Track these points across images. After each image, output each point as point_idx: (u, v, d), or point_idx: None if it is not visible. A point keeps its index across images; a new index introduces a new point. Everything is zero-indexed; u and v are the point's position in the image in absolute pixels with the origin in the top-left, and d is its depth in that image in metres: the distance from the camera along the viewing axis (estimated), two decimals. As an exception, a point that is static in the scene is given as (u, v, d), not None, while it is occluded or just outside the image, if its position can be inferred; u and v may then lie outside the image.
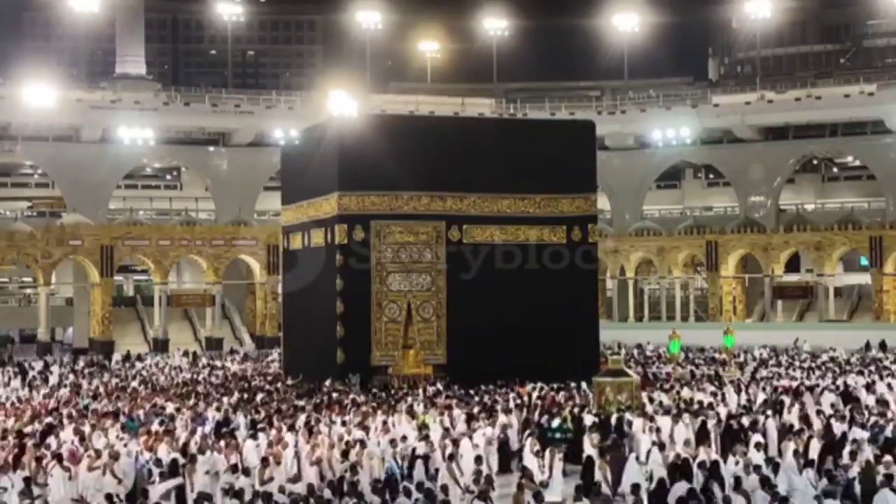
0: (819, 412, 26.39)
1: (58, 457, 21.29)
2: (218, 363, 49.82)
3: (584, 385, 33.00)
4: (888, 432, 23.33)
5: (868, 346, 51.67)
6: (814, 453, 21.29)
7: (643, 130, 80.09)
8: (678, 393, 31.27)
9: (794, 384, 33.70)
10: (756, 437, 22.95)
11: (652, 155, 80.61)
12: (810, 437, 22.45)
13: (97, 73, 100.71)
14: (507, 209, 41.69)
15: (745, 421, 25.37)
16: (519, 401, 30.41)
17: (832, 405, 28.33)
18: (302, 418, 26.65)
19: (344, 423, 25.91)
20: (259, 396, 33.27)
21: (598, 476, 20.79)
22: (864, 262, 70.00)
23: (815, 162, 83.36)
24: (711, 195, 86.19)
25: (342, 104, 74.90)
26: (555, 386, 33.73)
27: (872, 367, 39.74)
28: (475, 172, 40.94)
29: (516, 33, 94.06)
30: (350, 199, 40.62)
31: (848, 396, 30.16)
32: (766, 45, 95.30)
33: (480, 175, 41.10)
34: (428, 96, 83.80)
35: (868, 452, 20.54)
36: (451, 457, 21.16)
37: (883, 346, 51.66)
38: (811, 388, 32.10)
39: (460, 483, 20.09)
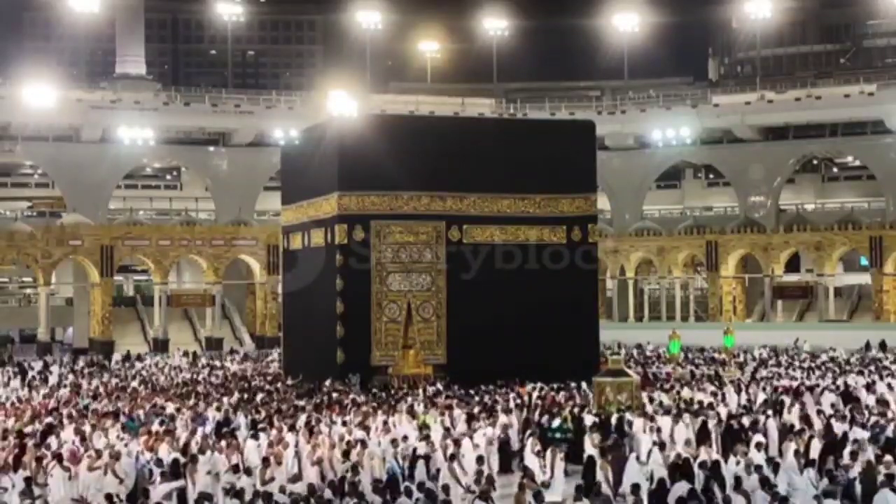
0: (819, 412, 26.39)
1: (58, 457, 21.29)
2: (217, 363, 49.81)
3: (584, 385, 32.98)
4: (889, 432, 23.32)
5: (868, 346, 51.67)
6: (814, 453, 21.28)
7: (643, 130, 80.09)
8: (678, 393, 31.26)
9: (795, 384, 33.70)
10: (757, 437, 22.93)
11: (652, 155, 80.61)
12: (811, 437, 22.44)
13: (97, 73, 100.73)
14: (507, 209, 41.69)
15: (746, 421, 25.36)
16: (519, 401, 30.39)
17: (832, 405, 28.34)
18: (302, 418, 26.64)
19: (345, 423, 25.89)
20: (259, 396, 33.27)
21: (599, 476, 20.77)
22: (864, 262, 70.00)
23: (815, 162, 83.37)
24: (711, 195, 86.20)
25: (342, 104, 74.90)
26: (555, 386, 33.71)
27: (872, 367, 39.73)
28: (475, 172, 40.94)
29: (516, 33, 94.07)
30: (350, 199, 40.62)
31: (848, 396, 30.16)
32: (766, 45, 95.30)
33: (480, 175, 41.10)
34: (428, 96, 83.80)
35: (869, 452, 20.53)
36: (453, 457, 21.15)
37: (883, 346, 51.66)
38: (811, 388, 32.09)
39: (462, 483, 20.07)
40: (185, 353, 54.32)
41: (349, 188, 40.60)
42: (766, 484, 17.86)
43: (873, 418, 25.37)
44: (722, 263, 70.82)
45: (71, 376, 43.33)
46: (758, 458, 20.34)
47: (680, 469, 19.83)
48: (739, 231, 71.10)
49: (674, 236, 73.29)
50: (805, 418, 25.48)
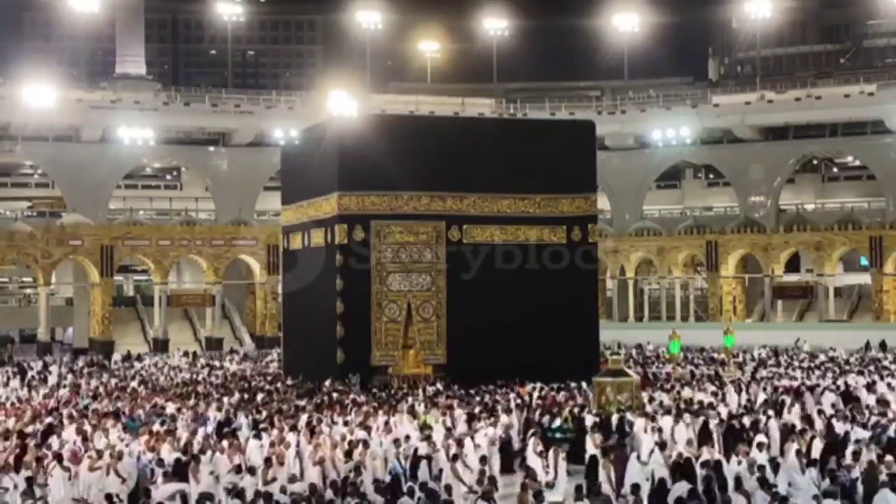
0: (820, 412, 26.39)
1: (58, 457, 21.29)
2: (217, 363, 49.81)
3: (584, 385, 32.98)
4: (891, 432, 23.31)
5: (868, 346, 51.68)
6: (816, 453, 21.27)
7: (643, 130, 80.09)
8: (678, 393, 31.26)
9: (795, 384, 33.70)
10: (759, 438, 22.93)
11: (652, 155, 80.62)
12: (813, 438, 22.43)
13: (97, 73, 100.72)
14: (507, 209, 41.70)
15: (747, 421, 25.35)
16: (519, 401, 30.39)
17: (832, 405, 28.34)
18: (304, 418, 26.62)
19: (346, 423, 25.89)
20: (259, 396, 33.26)
21: (601, 476, 20.77)
22: (864, 262, 70.00)
23: (815, 162, 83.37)
24: (711, 195, 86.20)
25: (342, 104, 74.90)
26: (555, 386, 33.71)
27: (872, 367, 39.73)
28: (475, 172, 40.94)
29: (516, 33, 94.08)
30: (350, 199, 40.62)
31: (848, 396, 30.16)
32: (766, 45, 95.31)
33: (480, 175, 41.10)
34: (428, 96, 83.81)
35: (871, 453, 20.52)
36: (455, 457, 21.13)
37: (883, 346, 51.67)
38: (811, 388, 32.09)
39: (465, 483, 20.06)
40: (185, 353, 54.33)
41: (349, 188, 40.60)
42: (764, 484, 17.85)
43: (874, 418, 25.36)
44: (722, 263, 70.83)
45: (70, 376, 43.31)
46: (760, 458, 20.33)
47: (681, 469, 19.83)
48: (739, 231, 71.10)
49: (674, 236, 73.30)
50: (806, 418, 25.47)
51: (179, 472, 20.37)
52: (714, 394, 30.87)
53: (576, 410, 27.84)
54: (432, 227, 40.94)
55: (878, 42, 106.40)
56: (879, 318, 65.45)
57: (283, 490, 18.77)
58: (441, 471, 20.97)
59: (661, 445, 21.94)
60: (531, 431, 25.08)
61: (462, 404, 29.34)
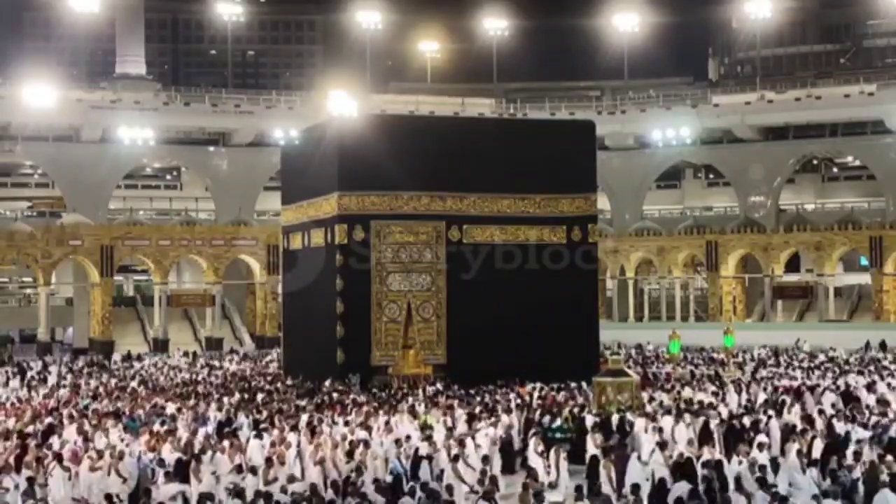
0: (821, 412, 26.39)
1: (58, 457, 21.29)
2: (216, 363, 49.79)
3: (584, 385, 32.97)
4: (892, 432, 23.30)
5: (868, 346, 51.68)
6: (817, 453, 21.27)
7: (643, 130, 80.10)
8: (679, 393, 31.26)
9: (795, 384, 33.70)
10: (760, 437, 22.93)
11: (652, 155, 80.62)
12: (814, 437, 22.43)
13: (97, 73, 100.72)
14: (507, 209, 41.70)
15: (747, 421, 25.35)
16: (519, 401, 30.39)
17: (833, 405, 28.34)
18: (304, 418, 26.61)
19: (347, 423, 25.89)
20: (259, 396, 33.25)
21: (602, 476, 20.77)
22: (864, 262, 70.01)
23: (815, 162, 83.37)
24: (711, 195, 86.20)
25: (342, 104, 74.90)
26: (555, 386, 33.71)
27: (872, 367, 39.73)
28: (475, 172, 40.94)
29: (516, 33, 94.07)
30: (350, 199, 40.62)
31: (848, 396, 30.16)
32: (766, 45, 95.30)
33: (480, 175, 41.11)
34: (428, 96, 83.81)
35: (872, 452, 20.51)
36: (457, 457, 21.13)
37: (883, 346, 51.67)
38: (812, 388, 32.09)
39: (467, 482, 20.05)
40: (186, 353, 54.33)
41: (349, 188, 40.61)
42: (763, 484, 17.85)
43: (874, 418, 25.35)
44: (722, 263, 70.83)
45: (70, 376, 43.31)
46: (761, 458, 20.33)
47: (682, 469, 19.82)
48: (739, 231, 71.10)
49: (674, 236, 73.30)
50: (807, 418, 25.47)
51: (181, 472, 20.36)
52: (714, 394, 30.87)
53: (576, 410, 27.85)
54: (432, 227, 40.95)
55: (878, 42, 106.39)
56: (879, 318, 65.46)
57: (283, 490, 18.76)
58: (442, 471, 20.97)
59: (662, 445, 21.94)
60: (532, 431, 25.08)
61: (462, 404, 29.34)
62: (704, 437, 23.59)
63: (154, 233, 67.23)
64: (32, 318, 67.49)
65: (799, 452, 20.80)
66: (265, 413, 28.25)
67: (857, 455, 20.17)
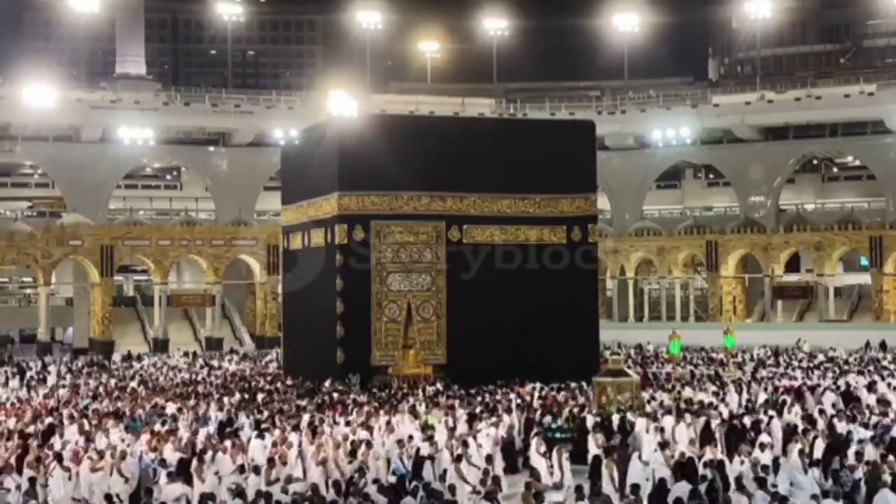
0: (821, 412, 26.39)
1: (58, 457, 21.29)
2: (215, 363, 49.77)
3: (584, 385, 32.96)
4: (894, 432, 23.29)
5: (868, 346, 51.68)
6: (818, 453, 21.27)
7: (643, 130, 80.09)
8: (679, 393, 31.26)
9: (795, 384, 33.70)
10: (763, 437, 22.92)
11: (652, 155, 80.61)
12: (815, 437, 22.43)
13: (97, 73, 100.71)
14: (507, 209, 41.71)
15: (748, 421, 25.33)
16: (520, 401, 30.39)
17: (833, 405, 28.34)
18: (305, 418, 26.60)
19: (348, 423, 25.88)
20: (259, 397, 33.25)
21: (604, 476, 20.76)
22: (864, 262, 70.00)
23: (815, 162, 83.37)
24: (711, 195, 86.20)
25: (342, 104, 74.89)
26: (555, 386, 33.71)
27: (871, 367, 39.73)
28: (475, 172, 40.96)
29: (516, 33, 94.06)
30: (350, 199, 40.63)
31: (849, 396, 30.16)
32: (766, 45, 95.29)
33: (480, 175, 41.12)
34: (428, 96, 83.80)
35: (874, 452, 20.50)
36: (459, 457, 21.13)
37: (883, 346, 51.67)
38: (812, 389, 32.10)
39: (469, 483, 20.05)
40: (186, 354, 54.31)
41: (349, 188, 40.61)
42: (762, 484, 17.84)
43: (874, 418, 25.34)
44: (722, 263, 70.83)
45: (69, 376, 43.30)
46: (763, 458, 20.32)
47: (683, 469, 19.81)
48: (739, 231, 71.10)
49: (674, 236, 73.30)
50: (808, 418, 25.46)
51: (183, 472, 20.34)
52: (715, 394, 30.87)
53: (576, 411, 27.85)
54: (432, 227, 40.96)
55: (878, 42, 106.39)
56: (879, 318, 65.46)
57: (284, 490, 18.76)
58: (445, 471, 20.96)
59: (663, 445, 21.94)
60: (535, 431, 25.07)
61: (463, 404, 29.33)
62: (706, 437, 23.58)
63: (154, 233, 67.23)
64: (32, 318, 67.49)
65: (801, 452, 20.80)
66: (266, 413, 28.23)
67: (859, 455, 20.16)
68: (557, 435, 25.56)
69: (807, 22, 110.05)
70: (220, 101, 77.84)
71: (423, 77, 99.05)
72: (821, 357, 46.16)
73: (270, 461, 20.76)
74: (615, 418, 26.10)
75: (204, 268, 67.60)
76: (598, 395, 28.70)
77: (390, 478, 20.86)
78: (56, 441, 24.20)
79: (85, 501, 19.56)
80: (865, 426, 24.02)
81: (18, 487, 19.44)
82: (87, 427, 25.80)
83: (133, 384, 39.22)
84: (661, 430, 23.68)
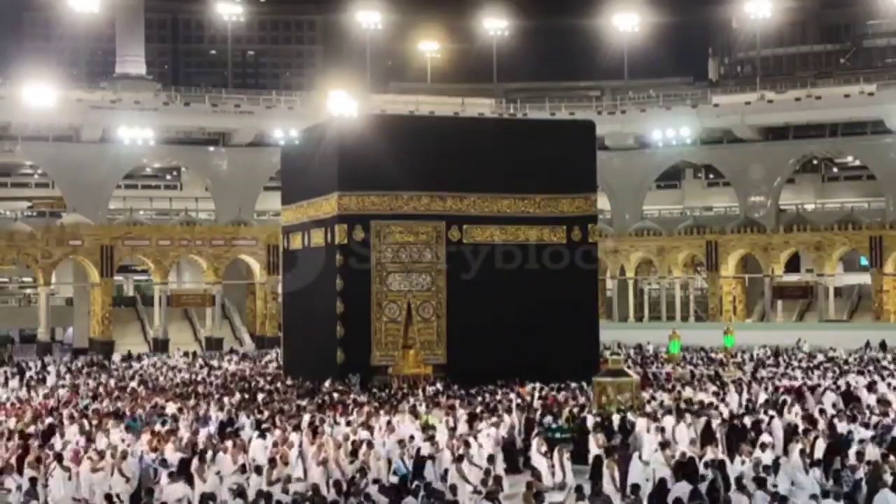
0: (822, 412, 26.39)
1: (58, 457, 21.28)
2: (214, 363, 49.75)
3: (584, 385, 32.96)
4: (895, 432, 23.30)
5: (868, 346, 51.68)
6: (819, 453, 21.27)
7: (643, 130, 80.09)
8: (679, 393, 31.26)
9: (796, 384, 33.70)
10: (765, 437, 22.92)
11: (652, 155, 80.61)
12: (816, 437, 22.43)
13: (97, 73, 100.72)
14: (507, 209, 41.71)
15: (748, 421, 25.32)
16: (520, 401, 30.38)
17: (833, 405, 28.35)
18: (306, 418, 26.60)
19: (349, 423, 25.88)
20: (260, 397, 33.24)
21: (605, 476, 20.77)
22: (864, 262, 70.00)
23: (815, 162, 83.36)
24: (711, 195, 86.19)
25: (342, 104, 74.89)
26: (555, 386, 33.71)
27: (871, 367, 39.73)
28: (475, 172, 40.96)
29: (516, 33, 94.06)
30: (350, 199, 40.63)
31: (849, 396, 30.17)
32: (766, 45, 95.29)
33: (480, 175, 41.12)
34: (428, 96, 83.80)
35: (875, 452, 20.50)
36: (461, 457, 21.13)
37: (883, 346, 51.67)
38: (812, 388, 32.10)
39: (470, 483, 20.04)
40: (186, 354, 54.29)
41: (349, 188, 40.62)
42: (762, 484, 17.84)
43: (874, 418, 25.34)
44: (722, 263, 70.82)
45: (67, 377, 43.29)
46: (765, 458, 20.32)
47: (684, 469, 19.81)
48: (739, 231, 71.10)
49: (674, 236, 73.29)
50: (809, 418, 25.46)
51: (185, 472, 20.33)
52: (715, 394, 30.86)
53: (575, 411, 27.85)
54: (432, 227, 40.96)
55: (878, 42, 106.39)
56: (879, 318, 65.45)
57: (284, 490, 18.75)
58: (446, 471, 20.96)
59: (664, 445, 21.95)
60: (536, 431, 25.06)
61: (463, 404, 29.33)
62: (707, 436, 23.58)
63: (154, 233, 67.22)
64: (32, 318, 67.48)
65: (802, 452, 20.80)
66: (267, 413, 28.22)
67: (861, 455, 20.15)
68: (557, 435, 25.56)
69: (807, 22, 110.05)
70: (220, 101, 77.83)
71: (423, 77, 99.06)
72: (820, 357, 46.16)
73: (272, 461, 20.76)
74: (615, 418, 26.11)
75: (204, 268, 67.59)
76: (598, 395, 28.71)
77: (392, 478, 20.84)
78: (57, 441, 24.19)
79: (85, 502, 19.55)
80: (866, 426, 24.02)
81: (19, 488, 19.45)
82: (87, 427, 25.79)
83: (133, 384, 39.20)
84: (662, 430, 23.68)
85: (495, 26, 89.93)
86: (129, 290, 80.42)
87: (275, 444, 22.69)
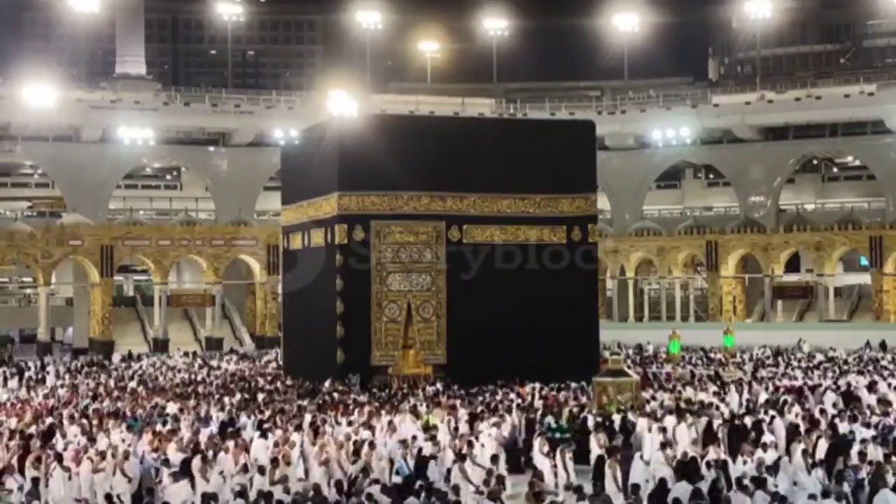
0: (822, 411, 26.39)
1: (58, 457, 21.28)
2: (214, 363, 49.73)
3: (585, 385, 32.94)
4: (897, 432, 23.34)
5: (868, 346, 51.67)
6: (821, 453, 21.26)
7: (643, 130, 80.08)
8: (680, 393, 31.25)
9: (796, 384, 33.70)
10: (767, 437, 22.91)
11: (652, 155, 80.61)
12: (818, 437, 22.43)
13: (97, 73, 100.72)
14: (507, 209, 41.71)
15: (749, 421, 25.31)
16: (520, 401, 30.38)
17: (834, 405, 28.35)
18: (307, 418, 26.60)
19: (350, 424, 25.88)
20: (260, 397, 33.23)
21: (607, 476, 20.76)
22: (864, 262, 70.00)
23: (815, 162, 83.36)
24: (711, 195, 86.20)
25: (342, 104, 74.89)
26: (554, 386, 33.69)
27: (871, 367, 39.73)
28: (475, 172, 40.96)
29: (516, 33, 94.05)
30: (350, 199, 40.63)
31: (849, 396, 30.16)
32: (766, 45, 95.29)
33: (480, 175, 41.12)
34: (428, 96, 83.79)
35: (878, 453, 20.50)
36: (463, 457, 21.12)
37: (883, 346, 51.67)
38: (813, 389, 32.09)
39: (473, 483, 20.03)
40: (186, 353, 54.27)
41: (349, 188, 40.62)
42: (762, 484, 17.84)
43: (875, 418, 25.34)
44: (722, 263, 70.82)
45: (67, 377, 43.28)
46: (767, 458, 20.32)
47: (685, 469, 19.80)
48: (739, 231, 71.09)
49: (674, 236, 73.29)
50: (810, 418, 25.45)
51: (187, 472, 20.32)
52: (716, 394, 30.86)
53: (575, 410, 27.84)
54: (432, 227, 40.97)
55: (878, 42, 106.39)
56: (879, 318, 65.44)
57: (286, 490, 18.74)
58: (449, 471, 20.94)
59: (664, 445, 21.94)
60: (538, 431, 25.05)
61: (464, 404, 29.33)
62: (708, 437, 23.57)
63: (154, 233, 67.22)
64: (32, 318, 67.47)
65: (804, 452, 20.79)
66: (268, 413, 28.21)
67: (863, 455, 20.15)
68: (558, 435, 25.55)
69: (807, 22, 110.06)
70: (220, 101, 77.83)
71: (423, 77, 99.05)
72: (820, 357, 46.14)
73: (274, 461, 20.76)
74: (616, 418, 26.10)
75: (204, 268, 67.59)
76: (598, 395, 28.70)
77: (395, 478, 20.82)
78: (58, 441, 24.18)
79: (85, 502, 19.54)
80: (867, 426, 24.01)
81: (21, 488, 19.44)
82: (89, 427, 25.78)
83: (132, 384, 39.19)
84: (663, 430, 23.66)
85: (495, 26, 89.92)
86: (129, 290, 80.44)
87: (276, 445, 22.67)
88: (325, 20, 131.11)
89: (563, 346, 38.02)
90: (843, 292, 73.43)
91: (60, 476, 20.41)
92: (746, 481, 18.23)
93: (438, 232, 40.92)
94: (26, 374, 44.52)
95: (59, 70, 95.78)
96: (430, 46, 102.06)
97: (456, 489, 18.93)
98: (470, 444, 22.37)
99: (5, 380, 42.40)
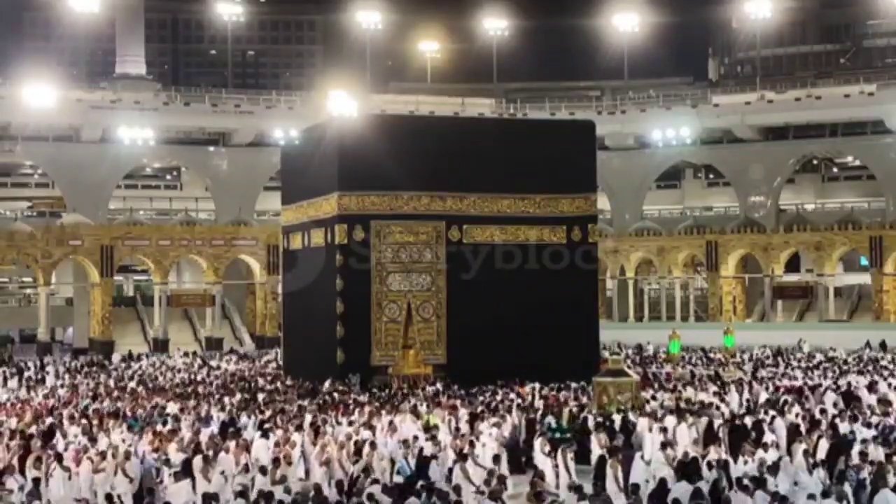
0: (823, 411, 26.39)
1: (58, 457, 21.27)
2: (213, 363, 49.72)
3: (585, 385, 32.94)
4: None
5: (868, 346, 51.67)
6: (822, 453, 21.26)
7: (643, 130, 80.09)
8: (680, 392, 31.26)
9: (796, 384, 33.70)
10: (768, 437, 22.91)
11: (652, 155, 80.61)
12: (819, 437, 22.42)
13: (97, 73, 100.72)
14: (507, 209, 41.71)
15: (749, 421, 25.31)
16: (520, 401, 30.38)
17: (834, 405, 28.35)
18: (308, 418, 26.59)
19: (350, 423, 25.87)
20: (260, 397, 33.23)
21: (608, 476, 20.76)
22: (864, 262, 70.01)
23: (815, 162, 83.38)
24: (711, 195, 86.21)
25: (342, 104, 74.89)
26: (554, 386, 33.70)
27: (871, 367, 39.73)
28: (475, 172, 40.96)
29: (516, 33, 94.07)
30: (350, 199, 40.63)
31: (849, 396, 30.17)
32: (766, 45, 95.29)
33: (480, 175, 41.12)
34: (428, 96, 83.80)
35: (879, 452, 20.50)
36: (465, 457, 21.12)
37: (883, 346, 51.67)
38: (813, 389, 32.10)
39: (474, 483, 20.03)
40: (186, 354, 54.25)
41: (349, 188, 40.62)
42: (762, 484, 17.84)
43: (875, 418, 25.34)
44: (722, 263, 70.82)
45: (66, 377, 43.28)
46: (769, 458, 20.32)
47: (686, 468, 19.81)
48: (739, 231, 71.10)
49: (674, 236, 73.30)
50: (811, 418, 25.45)
51: (188, 472, 20.31)
52: (716, 394, 30.86)
53: (575, 410, 27.84)
54: (432, 227, 40.97)
55: (878, 42, 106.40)
56: (879, 318, 65.45)
57: (286, 490, 18.73)
58: (450, 471, 20.94)
59: (665, 445, 21.93)
60: (539, 432, 25.05)
61: (465, 404, 29.32)
62: (709, 437, 23.57)
63: (154, 233, 67.21)
64: (32, 318, 67.47)
65: (805, 452, 20.79)
66: (269, 413, 28.20)
67: (864, 455, 20.15)
68: (558, 435, 25.55)
69: (807, 22, 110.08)
70: (220, 101, 77.83)
71: (423, 77, 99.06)
72: (820, 357, 46.15)
73: (275, 461, 20.75)
74: (616, 418, 26.10)
75: (204, 268, 67.59)
76: (598, 395, 28.71)
77: (396, 478, 20.82)
78: (59, 441, 24.18)
79: (86, 502, 19.54)
80: (868, 426, 24.02)
81: (21, 488, 19.44)
82: (89, 427, 25.77)
83: (132, 384, 39.18)
84: (664, 430, 23.66)
85: (495, 26, 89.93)
86: (129, 290, 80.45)
87: (277, 445, 22.67)
88: (325, 20, 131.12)
89: (563, 346, 38.02)
90: (843, 292, 73.44)
91: (61, 476, 20.41)
92: (747, 481, 18.25)
93: (438, 232, 40.93)
94: (26, 374, 44.52)
95: (59, 70, 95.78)
96: (429, 46, 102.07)
97: (457, 489, 18.91)
98: (471, 444, 22.35)
99: (5, 380, 42.38)
